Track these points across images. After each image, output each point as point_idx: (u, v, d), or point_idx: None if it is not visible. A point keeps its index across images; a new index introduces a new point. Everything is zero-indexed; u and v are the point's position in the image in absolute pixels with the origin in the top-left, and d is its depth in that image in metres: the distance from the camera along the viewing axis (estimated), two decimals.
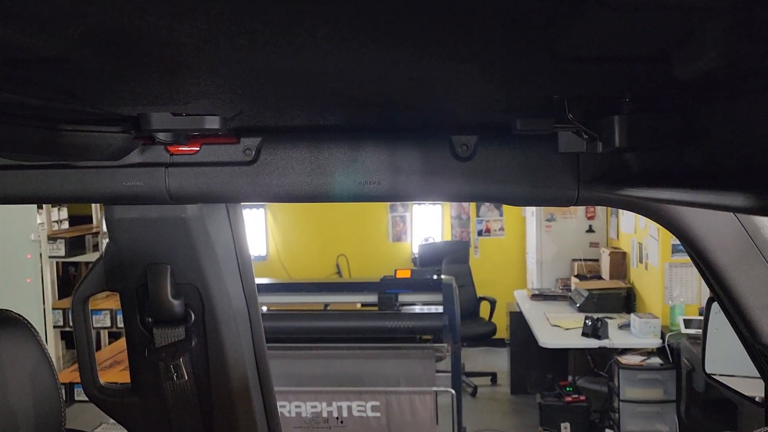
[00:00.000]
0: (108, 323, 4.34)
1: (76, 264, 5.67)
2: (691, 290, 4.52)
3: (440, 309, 3.62)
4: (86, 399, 1.45)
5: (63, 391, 4.15)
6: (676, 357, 4.16)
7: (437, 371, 3.56)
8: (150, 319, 1.33)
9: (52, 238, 4.54)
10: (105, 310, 4.40)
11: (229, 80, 0.77)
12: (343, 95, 0.85)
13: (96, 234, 4.76)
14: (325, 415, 3.42)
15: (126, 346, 1.40)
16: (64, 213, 5.64)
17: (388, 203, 7.39)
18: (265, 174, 1.12)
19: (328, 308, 4.01)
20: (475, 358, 6.43)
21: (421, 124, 1.10)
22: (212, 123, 0.95)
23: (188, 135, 1.09)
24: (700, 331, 1.60)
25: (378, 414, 3.40)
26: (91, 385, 1.41)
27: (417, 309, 3.79)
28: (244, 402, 1.42)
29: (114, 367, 4.05)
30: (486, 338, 6.15)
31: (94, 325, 4.37)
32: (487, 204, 7.38)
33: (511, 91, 0.79)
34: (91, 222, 5.20)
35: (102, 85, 0.75)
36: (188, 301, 1.33)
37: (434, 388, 3.43)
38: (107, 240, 1.31)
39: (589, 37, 0.50)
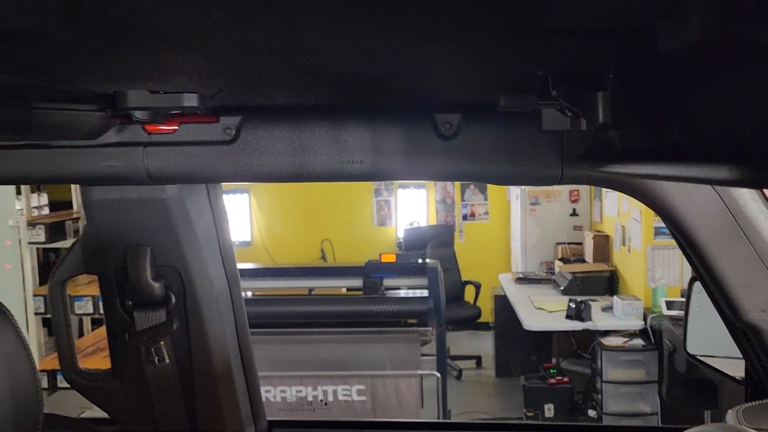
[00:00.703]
0: (90, 309, 4.29)
1: (56, 250, 5.61)
2: (673, 272, 4.57)
3: (425, 293, 3.62)
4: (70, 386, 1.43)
5: (46, 377, 4.10)
6: (658, 338, 4.21)
7: (422, 355, 3.57)
8: (130, 302, 1.32)
9: (32, 224, 4.47)
10: (87, 296, 4.35)
11: (207, 56, 0.75)
12: (323, 73, 0.84)
13: (76, 219, 4.69)
14: (310, 399, 3.43)
15: (106, 330, 1.38)
16: (44, 198, 5.56)
17: (373, 187, 7.37)
18: (245, 153, 1.10)
19: (313, 293, 4.00)
20: (460, 342, 6.47)
21: (404, 103, 1.08)
22: (190, 101, 0.93)
23: (166, 113, 1.07)
24: (682, 312, 1.61)
25: (363, 398, 3.41)
26: (70, 370, 1.40)
27: (402, 293, 3.79)
28: (226, 385, 1.41)
29: (97, 353, 4.02)
30: (471, 322, 6.19)
31: (76, 312, 4.33)
32: (472, 188, 7.39)
33: (494, 67, 0.78)
34: (72, 207, 5.13)
35: (74, 61, 0.73)
36: (169, 284, 1.32)
37: (419, 372, 3.44)
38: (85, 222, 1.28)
39: (573, 7, 0.49)
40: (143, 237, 1.26)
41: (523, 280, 5.71)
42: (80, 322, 5.23)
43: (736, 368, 1.38)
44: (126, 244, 1.27)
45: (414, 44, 0.66)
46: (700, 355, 1.48)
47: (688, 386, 3.82)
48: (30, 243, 4.48)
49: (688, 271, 4.41)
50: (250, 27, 0.61)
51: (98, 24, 0.56)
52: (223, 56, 0.74)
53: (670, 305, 4.16)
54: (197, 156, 1.10)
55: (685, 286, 1.61)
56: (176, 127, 1.10)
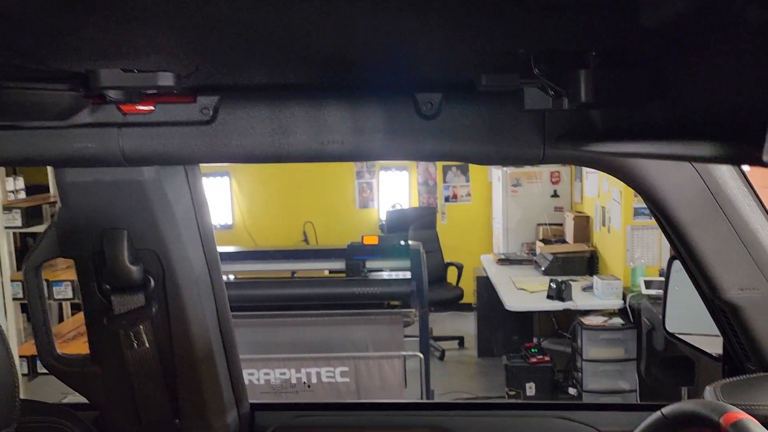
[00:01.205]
0: (69, 294, 4.24)
1: (33, 235, 5.52)
2: (651, 252, 4.62)
3: (408, 275, 3.63)
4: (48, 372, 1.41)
5: (26, 363, 4.04)
6: (637, 317, 4.27)
7: (405, 336, 3.59)
8: (108, 286, 1.30)
9: (8, 208, 4.39)
10: (66, 281, 4.29)
11: (182, 33, 0.73)
12: (303, 51, 0.82)
13: (54, 203, 4.62)
14: (294, 381, 3.43)
15: (83, 315, 1.36)
16: (21, 182, 5.45)
17: (355, 169, 7.35)
18: (223, 134, 1.08)
19: (296, 276, 3.99)
20: (443, 323, 6.52)
21: (385, 82, 1.07)
22: (166, 80, 0.91)
23: (142, 93, 1.05)
24: (661, 291, 1.63)
25: (347, 379, 3.42)
26: (48, 355, 1.38)
27: (385, 275, 3.80)
28: (208, 368, 1.40)
29: (78, 338, 3.98)
30: (453, 303, 6.23)
31: (55, 297, 4.27)
32: (454, 169, 7.40)
33: (476, 44, 0.77)
34: (48, 191, 5.05)
35: (43, 38, 0.71)
36: (147, 267, 1.30)
37: (402, 353, 3.46)
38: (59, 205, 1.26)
39: None
40: (120, 220, 1.24)
41: (505, 261, 5.75)
42: (60, 307, 5.17)
43: (714, 345, 1.40)
44: (102, 227, 1.25)
45: (394, 21, 0.65)
46: (679, 333, 1.50)
47: (666, 363, 3.88)
48: (6, 228, 4.40)
49: (666, 250, 4.47)
50: (226, 3, 0.59)
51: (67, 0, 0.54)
52: (198, 33, 0.72)
53: (648, 284, 4.22)
54: (174, 137, 1.08)
55: (664, 265, 1.63)
56: (152, 108, 1.08)
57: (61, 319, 5.07)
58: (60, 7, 0.57)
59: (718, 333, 1.32)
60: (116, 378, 1.39)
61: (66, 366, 1.40)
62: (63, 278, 4.30)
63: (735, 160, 0.46)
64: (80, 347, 3.55)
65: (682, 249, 1.17)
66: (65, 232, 1.27)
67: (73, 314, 4.98)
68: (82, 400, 1.48)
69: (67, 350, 1.43)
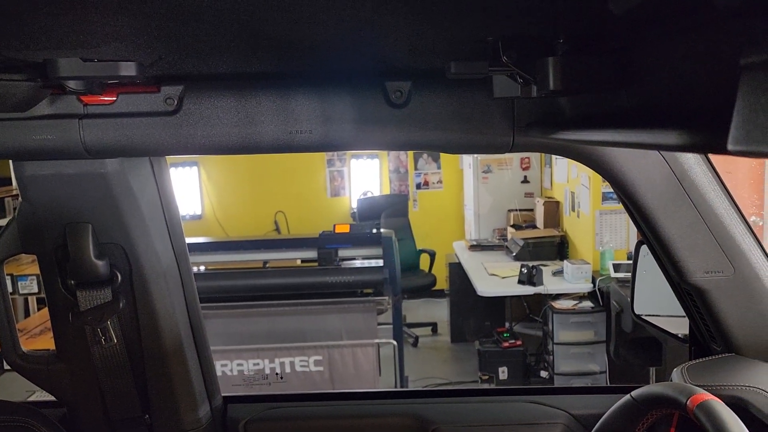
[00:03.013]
0: (35, 289, 4.16)
1: None
2: (619, 236, 4.70)
3: (380, 262, 3.63)
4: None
5: None
6: (606, 300, 4.35)
7: (379, 324, 3.60)
8: (72, 282, 1.26)
9: None
10: (31, 275, 4.20)
11: (142, 20, 0.71)
12: (267, 37, 0.80)
13: (17, 197, 4.50)
14: (267, 371, 3.42)
15: (48, 311, 1.33)
16: None
17: (326, 157, 7.31)
18: (188, 125, 1.05)
19: (268, 265, 3.96)
20: (416, 310, 6.56)
21: (353, 70, 1.06)
22: (128, 70, 0.88)
23: (103, 83, 1.02)
24: (629, 274, 1.66)
25: (321, 368, 3.42)
26: (12, 353, 1.34)
27: (357, 263, 3.79)
28: (178, 362, 1.38)
29: (45, 333, 3.90)
30: (426, 290, 6.27)
31: (21, 292, 4.18)
32: (425, 157, 7.41)
33: (444, 30, 0.76)
34: (11, 184, 4.92)
35: None
36: (114, 262, 1.27)
37: (376, 341, 3.47)
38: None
39: None
40: (83, 214, 1.21)
41: (477, 247, 5.80)
42: (25, 302, 5.06)
43: (680, 327, 1.43)
44: (65, 221, 1.21)
45: (361, 6, 0.64)
46: (646, 315, 1.53)
47: (635, 345, 3.97)
48: None
49: (634, 234, 4.55)
50: None
51: None
52: (159, 20, 0.70)
53: (617, 268, 4.29)
54: (137, 128, 1.05)
55: (632, 249, 1.66)
56: (114, 98, 1.05)
57: (27, 314, 4.97)
58: None
59: (685, 315, 1.34)
60: (83, 374, 1.36)
61: (31, 363, 1.37)
62: (28, 272, 4.21)
63: (701, 148, 0.47)
64: (47, 342, 3.47)
65: (649, 234, 1.18)
66: (27, 227, 1.23)
67: (39, 309, 4.88)
68: (49, 397, 1.45)
69: (33, 345, 1.40)
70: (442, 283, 6.36)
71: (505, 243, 5.69)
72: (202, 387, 1.47)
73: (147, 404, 1.41)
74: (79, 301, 1.27)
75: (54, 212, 1.21)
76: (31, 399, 2.81)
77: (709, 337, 1.27)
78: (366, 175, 7.49)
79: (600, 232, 4.70)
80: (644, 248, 1.38)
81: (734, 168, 3.32)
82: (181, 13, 0.66)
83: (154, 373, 1.37)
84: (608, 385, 4.19)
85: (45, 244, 1.24)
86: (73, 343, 1.34)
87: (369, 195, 7.28)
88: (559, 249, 5.28)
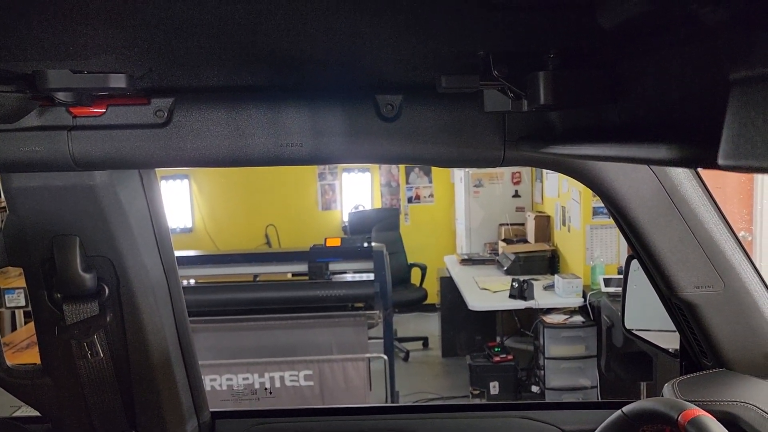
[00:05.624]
0: (22, 302, 4.11)
1: None
2: (610, 250, 4.72)
3: (371, 276, 3.62)
4: None
5: None
6: (597, 314, 4.35)
7: (370, 338, 3.58)
8: (59, 295, 1.25)
9: None
10: (18, 288, 4.16)
11: (132, 32, 0.70)
12: (258, 50, 0.80)
13: (4, 209, 4.47)
14: (257, 386, 3.39)
15: (34, 325, 1.31)
16: None
17: (317, 171, 7.31)
18: (178, 137, 1.05)
19: (258, 279, 3.94)
20: (407, 324, 6.53)
21: (344, 84, 1.06)
22: (118, 82, 0.87)
23: (92, 95, 1.01)
24: (620, 289, 1.66)
25: (311, 383, 3.40)
26: None
27: (348, 277, 3.78)
28: (165, 377, 1.37)
29: (31, 347, 3.85)
30: (417, 304, 6.25)
31: (7, 305, 4.13)
32: (417, 170, 7.43)
33: (435, 44, 0.76)
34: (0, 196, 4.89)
35: None
36: (101, 275, 1.25)
37: (367, 355, 3.45)
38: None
39: None
40: (71, 226, 1.20)
41: (468, 261, 5.79)
42: (12, 315, 5.01)
43: (670, 342, 1.43)
44: (52, 233, 1.20)
45: (353, 20, 0.64)
46: (637, 330, 1.53)
47: (625, 360, 3.96)
48: None
49: (624, 249, 4.57)
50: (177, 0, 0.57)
51: None
52: (150, 32, 0.70)
53: (607, 282, 4.30)
54: (127, 140, 1.05)
55: (622, 263, 1.66)
56: (104, 110, 1.04)
57: (14, 328, 4.91)
58: (1, 4, 0.55)
59: (675, 330, 1.34)
60: (69, 389, 1.34)
61: (16, 378, 1.35)
62: (15, 285, 4.17)
63: (691, 163, 0.46)
64: (34, 356, 3.43)
65: (640, 248, 1.19)
66: (13, 239, 1.22)
67: (26, 322, 4.83)
68: (34, 412, 1.42)
69: (20, 359, 1.37)
70: (433, 297, 6.34)
71: (497, 257, 5.69)
72: (190, 402, 1.45)
73: (133, 420, 1.39)
74: (66, 315, 1.25)
75: (41, 224, 1.19)
76: (15, 414, 2.77)
77: (700, 351, 1.27)
78: (357, 189, 7.49)
79: (591, 247, 4.71)
80: (635, 263, 1.38)
81: (723, 183, 3.34)
82: (171, 26, 0.66)
83: (140, 388, 1.36)
84: (599, 400, 4.18)
85: (32, 256, 1.23)
86: (59, 358, 1.32)
87: (360, 209, 7.27)
88: (550, 263, 5.28)
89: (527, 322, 5.03)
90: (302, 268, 3.75)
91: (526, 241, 5.79)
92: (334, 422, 1.54)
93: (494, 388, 4.62)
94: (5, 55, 0.77)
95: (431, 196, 7.47)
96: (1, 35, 0.67)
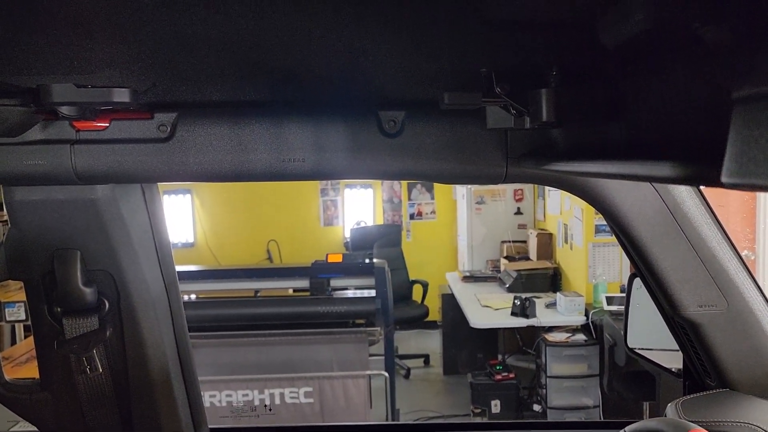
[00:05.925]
0: (22, 316, 4.10)
1: None
2: (613, 269, 4.70)
3: (373, 293, 3.61)
4: None
5: None
6: (599, 333, 4.32)
7: (370, 355, 3.56)
8: (59, 309, 1.24)
9: None
10: (19, 302, 4.14)
11: (137, 47, 0.71)
12: (261, 66, 0.81)
13: (6, 222, 4.47)
14: (257, 403, 3.37)
15: (33, 339, 1.30)
16: None
17: (319, 187, 7.32)
18: (181, 152, 1.05)
19: (259, 294, 3.93)
20: (408, 341, 6.50)
21: (347, 100, 1.06)
22: (122, 96, 0.88)
23: (96, 109, 1.01)
24: (622, 307, 1.65)
25: (311, 400, 3.37)
26: None
27: (349, 293, 3.77)
28: (164, 393, 1.36)
29: (31, 361, 3.84)
30: (418, 321, 6.22)
31: (7, 319, 4.12)
32: (419, 187, 7.43)
33: (438, 62, 0.77)
34: (1, 209, 4.89)
35: None
36: (101, 289, 1.25)
37: (368, 372, 3.43)
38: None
39: None
40: (72, 240, 1.20)
41: (470, 278, 5.78)
42: (12, 329, 4.99)
43: (673, 361, 1.42)
44: (53, 247, 1.20)
45: (356, 37, 0.64)
46: (640, 349, 1.52)
47: (628, 379, 3.93)
48: None
49: (627, 267, 4.55)
50: (181, 16, 0.57)
51: (16, 12, 0.52)
52: (154, 47, 0.70)
53: (610, 301, 4.28)
54: (130, 154, 1.05)
55: (625, 282, 1.65)
56: (107, 124, 1.05)
57: (14, 342, 4.89)
58: (9, 20, 0.55)
59: (678, 349, 1.33)
60: (68, 405, 1.33)
61: (14, 393, 1.34)
62: (15, 299, 4.15)
63: (695, 181, 0.46)
64: (33, 371, 3.41)
65: (643, 266, 1.18)
66: (14, 252, 1.22)
67: (26, 336, 4.80)
68: (33, 427, 1.41)
69: (19, 374, 1.37)
70: (434, 314, 6.31)
71: (498, 274, 5.68)
72: (189, 419, 1.44)
73: None
74: (65, 329, 1.25)
75: (42, 238, 1.19)
76: (13, 429, 2.75)
77: (703, 371, 1.26)
78: (359, 205, 7.50)
79: (593, 265, 4.70)
80: (637, 281, 1.37)
81: (726, 201, 3.34)
82: (175, 41, 0.66)
83: (139, 403, 1.34)
84: (601, 419, 4.14)
85: (33, 270, 1.22)
86: (58, 372, 1.31)
87: (362, 225, 7.27)
88: (552, 281, 5.27)
89: (529, 340, 5.00)
90: (303, 283, 3.74)
91: (528, 259, 5.78)
92: None
93: (496, 406, 4.58)
94: (9, 68, 0.78)
95: (433, 212, 7.47)
96: (5, 49, 0.68)
